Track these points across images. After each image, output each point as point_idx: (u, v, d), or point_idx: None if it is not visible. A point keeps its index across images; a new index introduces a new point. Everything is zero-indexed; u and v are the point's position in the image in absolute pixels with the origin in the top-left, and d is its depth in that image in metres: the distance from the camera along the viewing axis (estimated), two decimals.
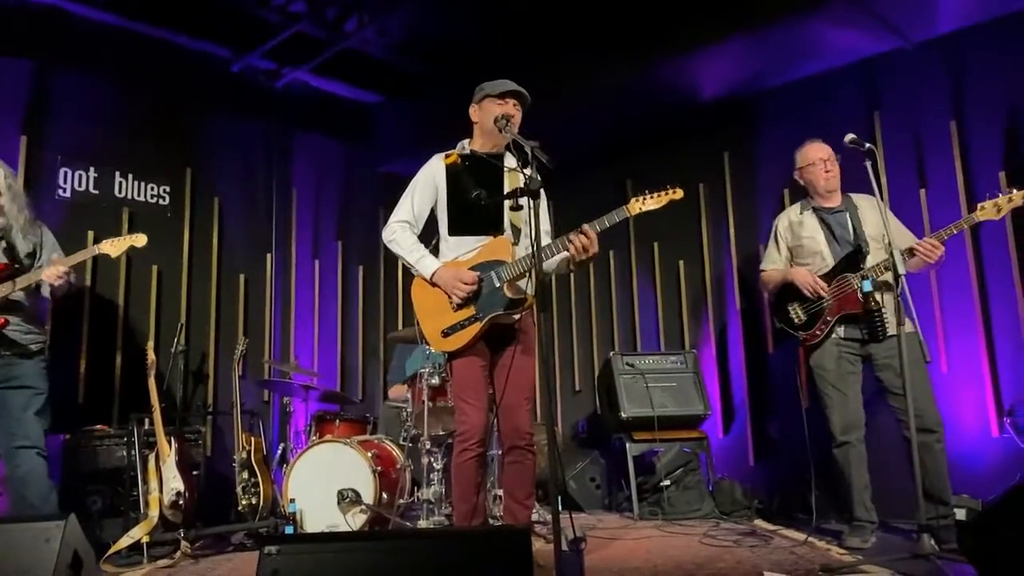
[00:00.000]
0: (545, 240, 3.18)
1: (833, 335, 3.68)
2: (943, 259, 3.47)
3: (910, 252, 3.44)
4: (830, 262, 3.73)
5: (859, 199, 3.81)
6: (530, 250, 3.01)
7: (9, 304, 3.44)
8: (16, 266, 3.50)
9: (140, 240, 3.71)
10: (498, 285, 3.02)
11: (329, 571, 2.02)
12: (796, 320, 3.80)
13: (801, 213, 3.89)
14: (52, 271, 3.44)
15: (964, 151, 4.40)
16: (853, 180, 3.78)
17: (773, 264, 3.99)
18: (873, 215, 3.68)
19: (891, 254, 3.19)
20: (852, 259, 3.65)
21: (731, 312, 5.39)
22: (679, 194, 2.99)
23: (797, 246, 3.88)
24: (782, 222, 3.98)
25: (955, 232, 3.43)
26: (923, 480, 3.15)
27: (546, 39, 5.13)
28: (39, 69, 4.77)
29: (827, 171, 3.77)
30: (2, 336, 3.42)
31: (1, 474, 3.77)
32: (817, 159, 3.79)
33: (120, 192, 5.04)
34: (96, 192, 4.93)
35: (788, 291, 3.83)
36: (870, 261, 3.60)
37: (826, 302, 3.68)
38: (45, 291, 3.61)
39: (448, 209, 3.14)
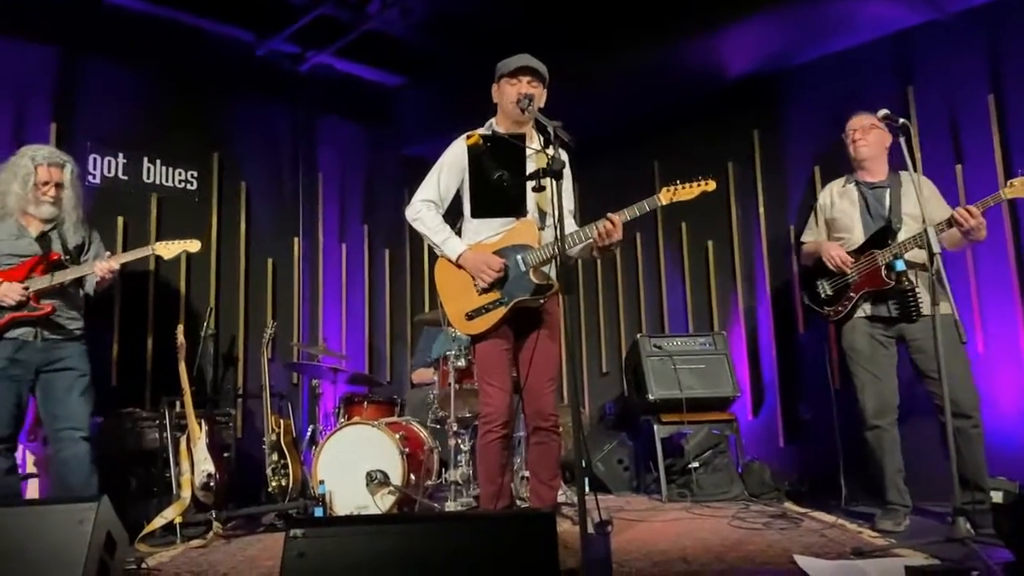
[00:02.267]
0: (569, 220, 3.17)
1: (860, 312, 3.63)
2: (982, 232, 3.32)
3: (950, 223, 3.32)
4: (860, 237, 3.66)
5: (908, 177, 3.68)
6: (557, 234, 2.99)
7: (57, 291, 3.53)
8: (65, 257, 3.59)
9: (194, 246, 3.79)
10: (524, 270, 2.99)
11: (354, 553, 2.03)
12: (822, 295, 3.74)
13: (844, 186, 3.82)
14: (104, 265, 3.55)
15: (1002, 125, 4.26)
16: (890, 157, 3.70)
17: (812, 236, 3.93)
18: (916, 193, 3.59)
19: (925, 231, 3.10)
20: (881, 235, 3.58)
21: (761, 293, 5.31)
22: (711, 186, 2.96)
23: (832, 219, 3.82)
24: (824, 194, 3.92)
25: (992, 205, 3.30)
26: (959, 466, 3.09)
27: (571, 17, 5.05)
28: (67, 56, 4.80)
29: (854, 140, 3.70)
30: (50, 321, 3.50)
31: (42, 455, 3.86)
32: (850, 129, 3.73)
33: (148, 178, 5.08)
34: (125, 178, 4.97)
35: (820, 266, 3.77)
36: (901, 238, 3.52)
37: (851, 277, 3.63)
38: (88, 287, 3.68)
39: (471, 191, 3.12)
